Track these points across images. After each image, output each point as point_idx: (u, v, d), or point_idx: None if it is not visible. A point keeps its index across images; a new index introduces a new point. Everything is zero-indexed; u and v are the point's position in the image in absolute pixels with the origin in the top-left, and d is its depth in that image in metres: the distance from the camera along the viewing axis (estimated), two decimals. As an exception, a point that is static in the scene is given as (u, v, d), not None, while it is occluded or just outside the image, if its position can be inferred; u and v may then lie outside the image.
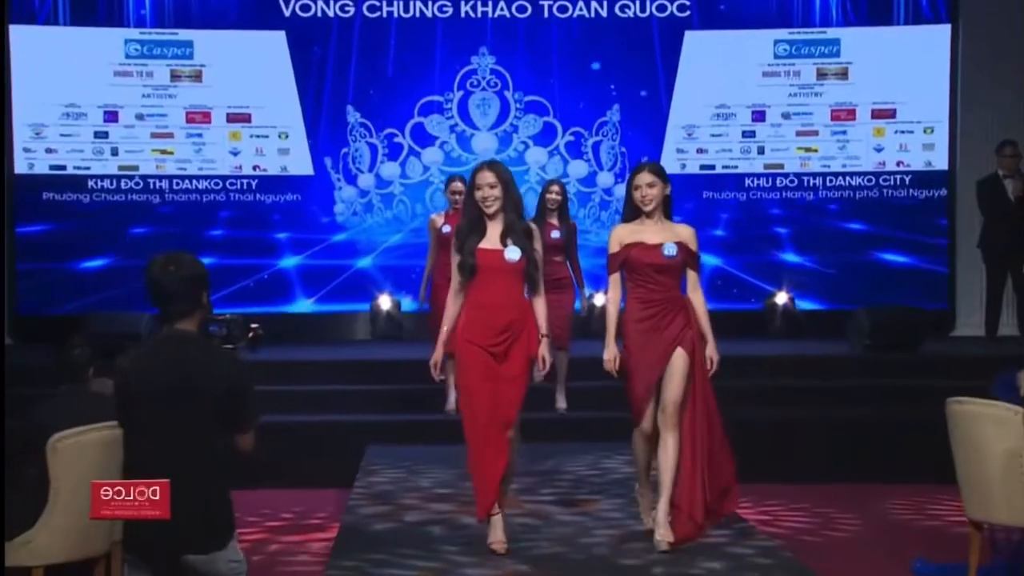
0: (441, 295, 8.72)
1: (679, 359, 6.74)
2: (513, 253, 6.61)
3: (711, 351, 6.86)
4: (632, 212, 6.99)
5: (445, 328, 6.82)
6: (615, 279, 6.96)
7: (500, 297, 6.67)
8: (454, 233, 6.89)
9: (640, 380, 6.80)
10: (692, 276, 6.95)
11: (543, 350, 6.68)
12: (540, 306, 6.76)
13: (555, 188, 10.20)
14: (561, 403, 10.31)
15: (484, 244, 6.67)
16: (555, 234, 9.87)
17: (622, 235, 6.92)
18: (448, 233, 9.17)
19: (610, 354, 6.84)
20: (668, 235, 6.86)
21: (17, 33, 13.02)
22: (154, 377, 4.45)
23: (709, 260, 13.10)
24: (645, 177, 6.88)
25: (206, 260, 12.80)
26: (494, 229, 6.67)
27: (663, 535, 6.62)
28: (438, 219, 10.28)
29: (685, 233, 6.94)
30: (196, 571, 4.40)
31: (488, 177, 6.64)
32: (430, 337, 8.10)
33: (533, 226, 6.82)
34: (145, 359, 4.57)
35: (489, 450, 6.58)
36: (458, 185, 9.90)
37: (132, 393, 4.50)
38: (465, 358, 6.70)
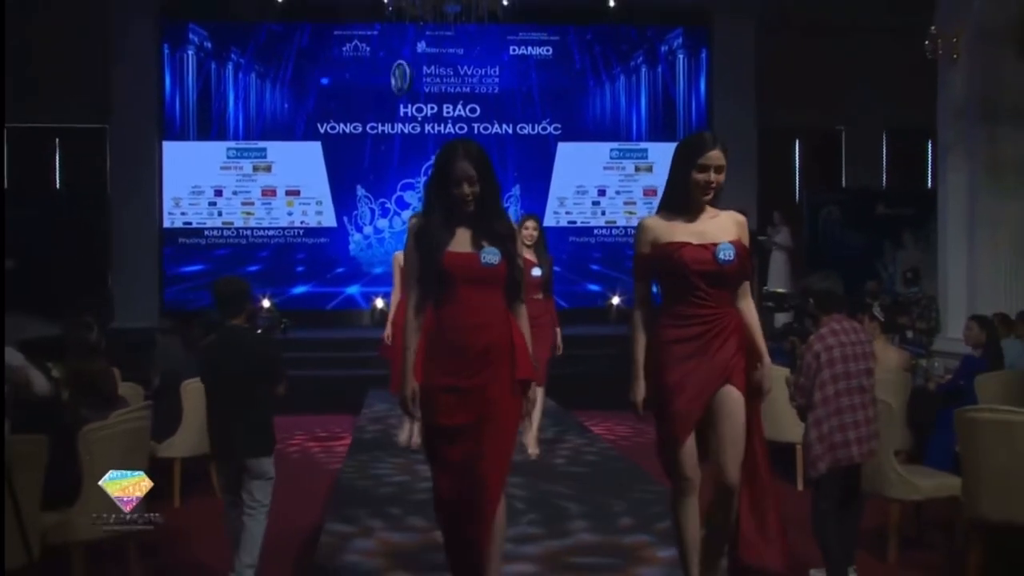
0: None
1: (732, 403, 3.22)
2: (491, 256, 3.26)
3: (763, 375, 3.30)
4: (678, 200, 3.30)
5: (410, 354, 3.32)
6: (644, 290, 3.40)
7: (476, 314, 3.24)
8: (416, 233, 3.43)
9: (678, 421, 3.24)
10: (743, 284, 3.37)
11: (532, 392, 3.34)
12: (523, 319, 3.36)
13: (531, 224, 6.36)
14: (532, 448, 6.34)
15: (453, 247, 3.28)
16: (535, 272, 6.13)
17: (656, 230, 3.30)
18: None
19: (640, 391, 3.31)
20: (719, 231, 3.27)
21: (167, 147, 12.88)
22: (220, 355, 4.34)
23: (583, 275, 13.09)
24: (718, 156, 3.24)
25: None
26: (465, 228, 3.31)
27: None
28: (401, 256, 6.41)
29: (736, 226, 3.33)
30: (249, 468, 4.26)
31: (466, 169, 3.23)
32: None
33: (513, 225, 3.38)
34: (214, 344, 4.45)
35: (470, 530, 3.25)
36: (416, 223, 6.61)
37: (209, 367, 4.41)
38: (427, 409, 3.30)
